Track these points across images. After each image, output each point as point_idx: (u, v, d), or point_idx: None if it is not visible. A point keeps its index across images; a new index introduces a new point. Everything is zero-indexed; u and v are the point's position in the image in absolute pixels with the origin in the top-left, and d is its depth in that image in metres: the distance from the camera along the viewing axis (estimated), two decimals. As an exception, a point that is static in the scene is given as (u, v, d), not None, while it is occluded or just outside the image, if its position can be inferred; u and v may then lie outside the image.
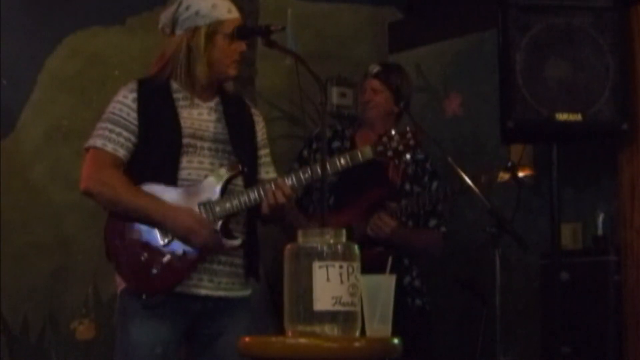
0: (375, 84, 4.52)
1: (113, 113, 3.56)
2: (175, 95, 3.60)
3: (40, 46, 4.70)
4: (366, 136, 4.52)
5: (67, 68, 4.77)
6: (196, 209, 3.50)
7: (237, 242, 3.56)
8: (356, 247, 2.31)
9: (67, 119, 4.74)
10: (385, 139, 3.69)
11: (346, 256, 2.26)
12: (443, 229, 4.60)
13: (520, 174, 4.49)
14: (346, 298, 2.23)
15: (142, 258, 3.47)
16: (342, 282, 2.23)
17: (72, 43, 4.78)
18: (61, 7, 4.73)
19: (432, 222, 4.57)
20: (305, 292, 2.23)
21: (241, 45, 3.57)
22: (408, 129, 3.73)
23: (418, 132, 3.74)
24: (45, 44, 4.72)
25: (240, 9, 3.68)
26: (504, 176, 4.41)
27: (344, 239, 2.30)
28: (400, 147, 3.69)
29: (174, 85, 3.60)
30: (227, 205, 3.52)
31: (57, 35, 4.76)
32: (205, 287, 3.54)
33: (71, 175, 4.21)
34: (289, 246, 2.30)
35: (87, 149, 3.56)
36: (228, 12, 3.57)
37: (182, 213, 3.48)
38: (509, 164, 4.41)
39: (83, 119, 4.55)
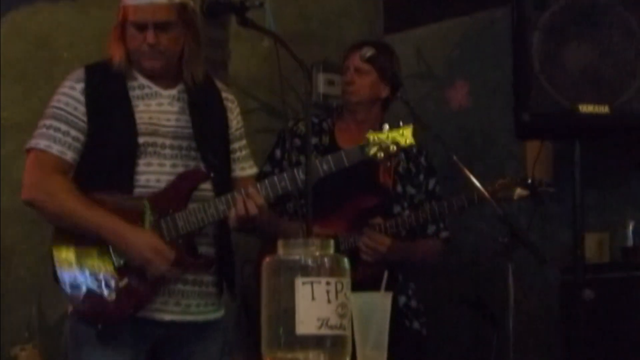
0: (360, 62, 4.39)
1: (58, 108, 3.52)
2: (130, 84, 3.55)
3: (-23, 25, 4.70)
4: (348, 129, 4.48)
5: (9, 51, 4.76)
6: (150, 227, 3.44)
7: (203, 261, 3.52)
8: (346, 260, 2.27)
9: (8, 110, 4.73)
10: (375, 138, 3.64)
11: (334, 271, 2.18)
12: (444, 234, 4.56)
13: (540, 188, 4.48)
14: (334, 320, 2.17)
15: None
16: (329, 301, 2.18)
17: (14, 22, 4.79)
18: (1, -21, 4.72)
19: (431, 229, 4.54)
20: (287, 313, 2.16)
21: (149, 37, 3.48)
22: (401, 123, 3.68)
23: (416, 128, 3.69)
24: (-17, 22, 4.72)
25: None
26: (522, 193, 4.38)
27: (331, 250, 2.26)
28: (394, 148, 3.65)
29: (130, 71, 3.54)
30: (192, 219, 3.49)
31: (-3, 12, 4.75)
32: (171, 311, 3.51)
33: (12, 176, 4.19)
34: (267, 259, 2.24)
35: (29, 150, 3.51)
36: None
37: (139, 238, 3.44)
38: (528, 181, 4.39)
39: (27, 109, 4.55)
